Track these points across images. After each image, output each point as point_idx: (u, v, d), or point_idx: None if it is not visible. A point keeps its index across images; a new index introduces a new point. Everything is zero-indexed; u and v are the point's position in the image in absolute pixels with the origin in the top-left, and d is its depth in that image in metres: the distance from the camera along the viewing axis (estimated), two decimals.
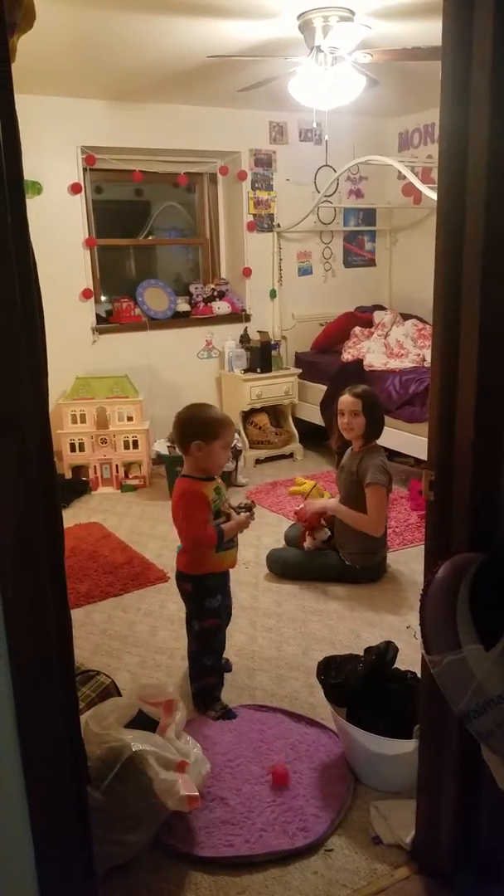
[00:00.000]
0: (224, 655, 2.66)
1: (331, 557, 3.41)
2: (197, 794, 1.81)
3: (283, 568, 3.46)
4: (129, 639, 2.94)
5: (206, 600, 2.47)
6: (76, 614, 2.97)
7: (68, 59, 3.88)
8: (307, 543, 3.44)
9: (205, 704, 2.47)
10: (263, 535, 3.95)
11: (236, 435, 4.88)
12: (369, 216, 6.08)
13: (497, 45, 1.23)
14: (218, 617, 2.51)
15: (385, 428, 4.56)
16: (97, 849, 1.60)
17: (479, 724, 1.26)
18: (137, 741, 1.80)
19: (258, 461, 5.33)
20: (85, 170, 4.94)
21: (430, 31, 3.50)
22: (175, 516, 2.46)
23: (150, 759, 1.78)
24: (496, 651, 1.23)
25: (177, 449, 2.48)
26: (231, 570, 2.59)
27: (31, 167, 4.59)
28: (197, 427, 2.40)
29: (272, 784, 2.06)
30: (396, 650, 2.23)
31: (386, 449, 4.74)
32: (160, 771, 1.77)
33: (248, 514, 2.52)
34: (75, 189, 4.85)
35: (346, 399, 3.39)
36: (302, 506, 3.47)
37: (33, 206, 4.52)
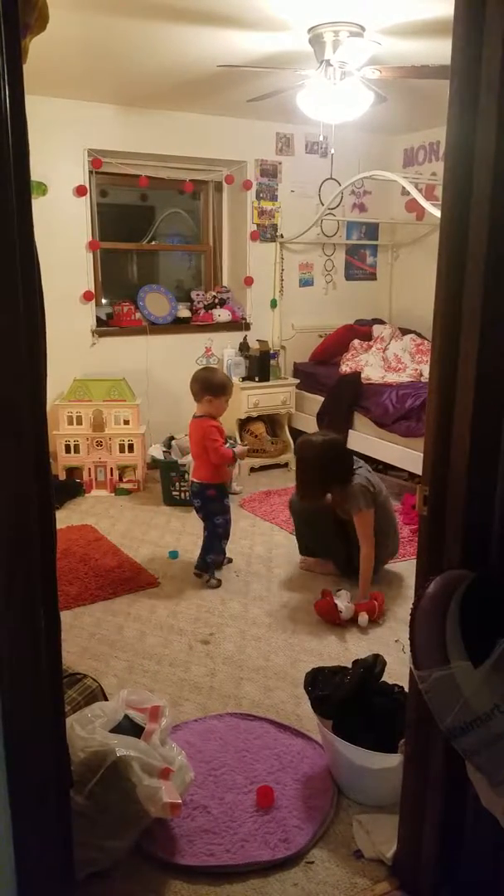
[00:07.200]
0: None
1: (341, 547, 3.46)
2: (180, 801, 1.80)
3: (300, 514, 3.65)
4: (118, 643, 2.93)
5: (225, 499, 3.55)
6: (65, 616, 2.95)
7: (79, 63, 3.90)
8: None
9: (208, 572, 3.52)
10: (255, 544, 3.96)
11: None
12: (372, 230, 6.11)
13: None
14: (230, 511, 3.57)
15: (380, 441, 4.62)
16: (77, 854, 1.60)
17: (464, 741, 1.26)
18: (122, 746, 1.79)
19: (253, 469, 5.33)
20: (91, 172, 4.95)
21: (438, 49, 3.53)
22: (198, 445, 3.41)
23: (135, 764, 1.77)
24: (484, 669, 1.23)
25: (194, 396, 3.48)
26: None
27: (37, 168, 4.57)
28: (210, 386, 3.39)
29: (256, 804, 2.04)
30: (384, 664, 2.22)
31: (381, 462, 4.79)
32: (144, 777, 1.77)
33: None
34: (80, 191, 4.86)
35: None
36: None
37: (38, 206, 4.47)
